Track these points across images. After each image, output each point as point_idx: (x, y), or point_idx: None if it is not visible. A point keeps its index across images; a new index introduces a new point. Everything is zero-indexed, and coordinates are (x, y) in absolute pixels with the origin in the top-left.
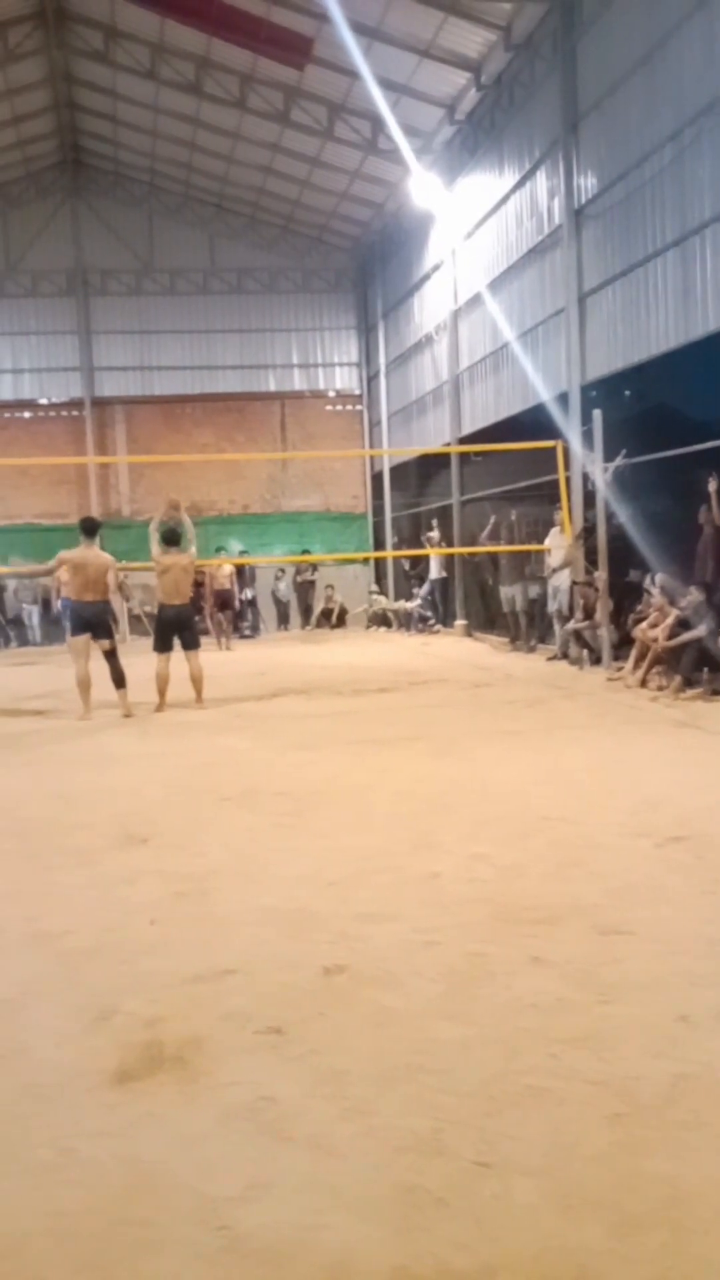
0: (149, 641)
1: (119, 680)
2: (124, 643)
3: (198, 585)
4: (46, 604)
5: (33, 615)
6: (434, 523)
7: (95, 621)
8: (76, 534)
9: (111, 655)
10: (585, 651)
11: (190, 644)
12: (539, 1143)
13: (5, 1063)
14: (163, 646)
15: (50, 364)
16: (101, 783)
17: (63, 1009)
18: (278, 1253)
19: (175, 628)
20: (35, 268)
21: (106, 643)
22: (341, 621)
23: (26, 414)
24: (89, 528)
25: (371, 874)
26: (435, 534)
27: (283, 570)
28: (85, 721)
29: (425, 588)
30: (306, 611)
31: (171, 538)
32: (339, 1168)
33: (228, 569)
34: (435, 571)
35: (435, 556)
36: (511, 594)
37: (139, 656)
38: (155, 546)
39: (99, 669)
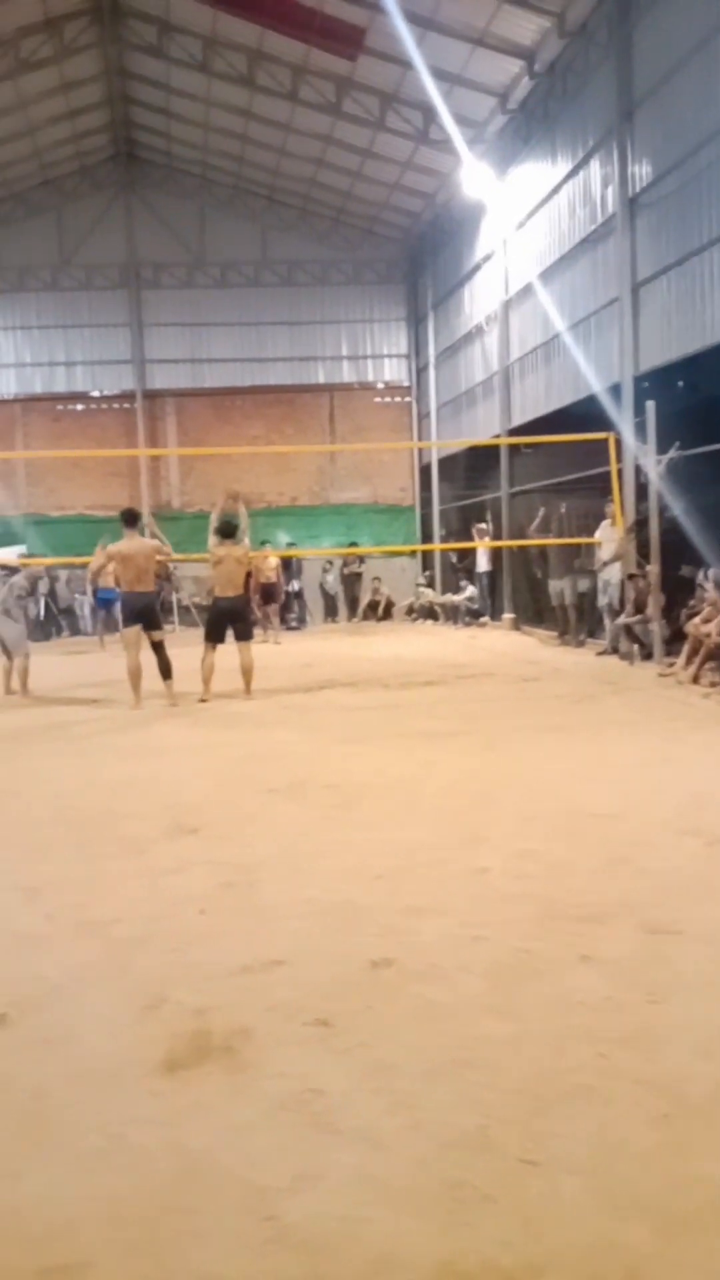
0: (198, 633)
1: (165, 671)
2: (173, 633)
3: (246, 575)
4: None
5: (84, 605)
6: (487, 515)
7: (147, 612)
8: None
9: (159, 646)
10: (636, 646)
11: (243, 635)
12: (586, 1141)
13: (56, 1049)
14: (215, 638)
15: (103, 357)
16: (151, 773)
17: (112, 997)
18: (324, 1244)
19: (229, 619)
20: (89, 261)
21: (156, 633)
22: (388, 614)
23: (79, 406)
24: (130, 518)
25: (418, 868)
26: (486, 525)
27: (330, 563)
28: (136, 711)
29: (480, 582)
30: (353, 604)
31: (227, 530)
32: (386, 1161)
33: (273, 561)
34: (483, 564)
35: (483, 549)
36: (560, 587)
37: (186, 648)
38: (212, 538)
39: (149, 660)
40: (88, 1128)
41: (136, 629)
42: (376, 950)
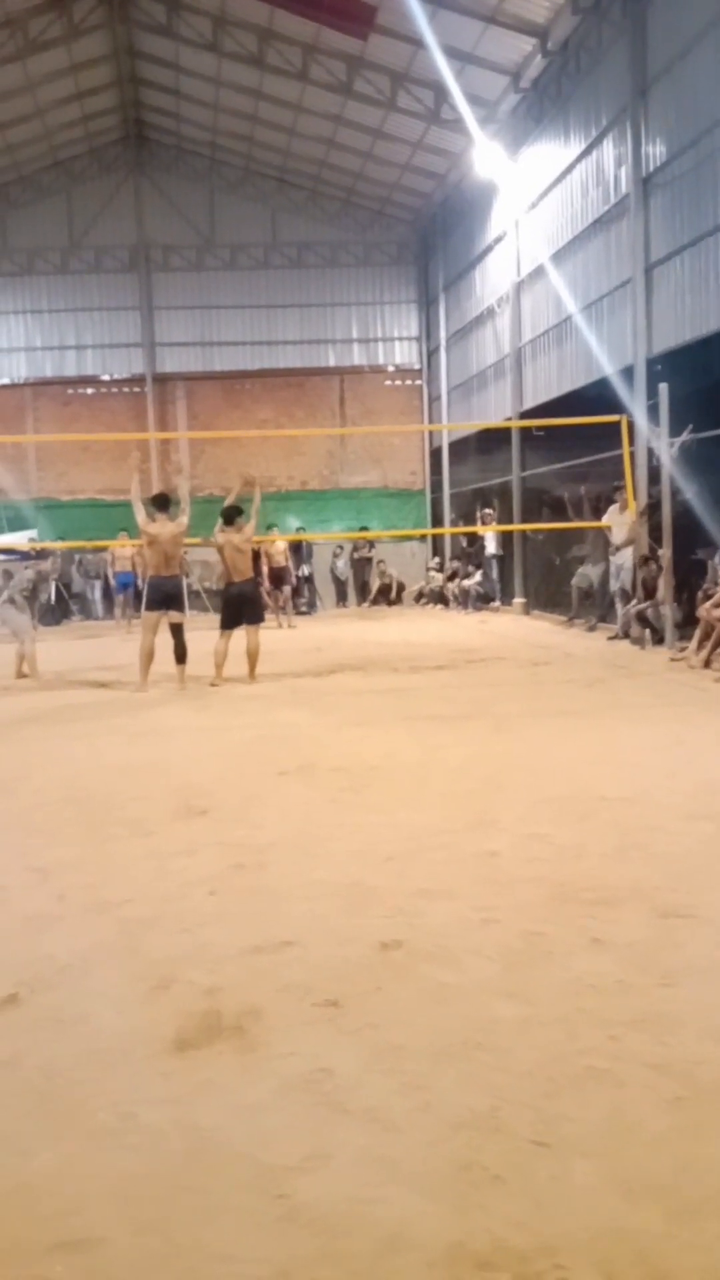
0: (208, 617)
1: (181, 655)
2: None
3: (255, 559)
4: (108, 579)
5: (95, 589)
6: (495, 503)
7: (174, 594)
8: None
9: (178, 629)
10: (647, 631)
11: (253, 619)
12: (598, 1124)
13: (67, 1029)
14: (230, 624)
15: (113, 340)
16: (160, 755)
17: (123, 977)
18: (335, 1224)
19: (240, 604)
20: (98, 243)
21: (179, 615)
22: (398, 598)
23: (89, 390)
24: (161, 502)
25: (428, 851)
26: (492, 510)
27: (340, 547)
28: (142, 694)
29: (493, 568)
30: (363, 588)
31: (228, 516)
32: (396, 1142)
33: (281, 545)
34: (491, 548)
35: (491, 533)
36: (590, 572)
37: (196, 632)
38: (217, 524)
39: (162, 643)
40: (98, 1106)
41: (158, 615)
42: (386, 932)
